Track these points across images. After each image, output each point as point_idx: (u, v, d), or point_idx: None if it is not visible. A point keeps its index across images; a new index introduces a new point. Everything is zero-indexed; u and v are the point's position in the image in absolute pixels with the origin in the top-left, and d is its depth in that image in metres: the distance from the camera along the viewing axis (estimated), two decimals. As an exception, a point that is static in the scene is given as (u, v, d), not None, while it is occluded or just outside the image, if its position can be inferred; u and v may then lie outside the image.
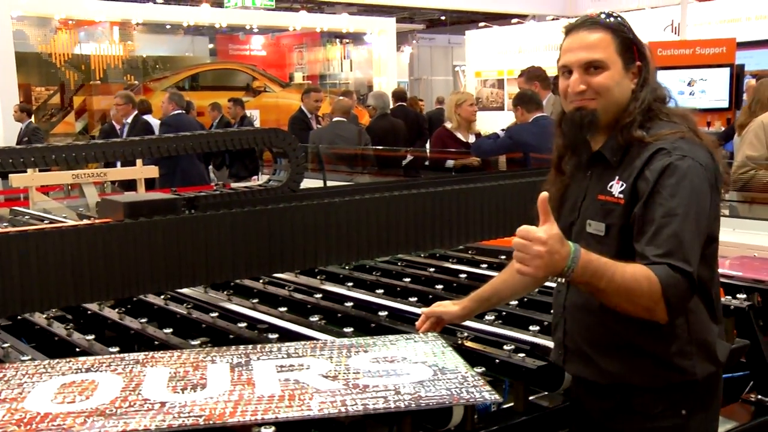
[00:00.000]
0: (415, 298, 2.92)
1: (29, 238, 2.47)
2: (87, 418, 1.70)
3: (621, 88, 1.87)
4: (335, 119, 7.46)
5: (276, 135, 3.11)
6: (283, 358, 2.07)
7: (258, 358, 2.07)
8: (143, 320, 2.72)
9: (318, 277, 3.34)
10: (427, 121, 10.27)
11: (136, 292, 2.71)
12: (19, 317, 2.81)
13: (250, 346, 2.19)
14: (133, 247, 2.61)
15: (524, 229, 1.64)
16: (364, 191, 3.20)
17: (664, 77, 3.72)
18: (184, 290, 3.08)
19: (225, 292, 3.08)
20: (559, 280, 1.77)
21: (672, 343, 1.82)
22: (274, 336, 2.47)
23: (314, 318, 2.69)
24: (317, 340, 2.34)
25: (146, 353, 2.16)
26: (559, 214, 1.96)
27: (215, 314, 2.79)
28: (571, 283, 1.73)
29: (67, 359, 2.13)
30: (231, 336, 2.55)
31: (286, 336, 2.50)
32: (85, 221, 3.08)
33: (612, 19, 1.87)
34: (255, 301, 2.98)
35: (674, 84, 9.83)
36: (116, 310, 2.86)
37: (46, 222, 4.04)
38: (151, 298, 3.04)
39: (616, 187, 1.84)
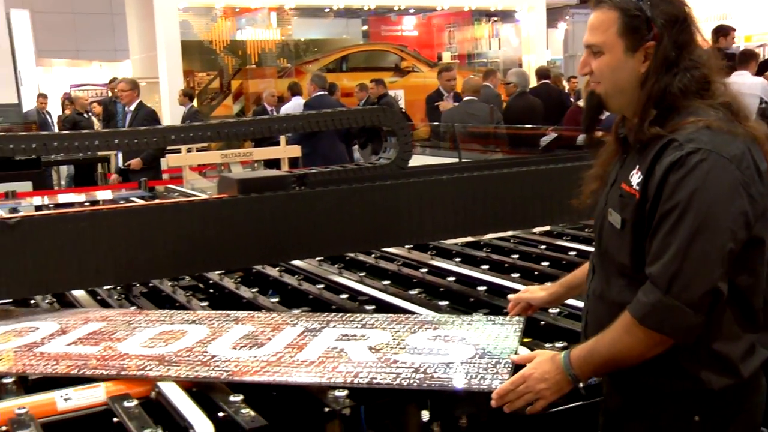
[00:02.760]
0: (518, 274, 2.92)
1: (150, 212, 2.69)
2: (148, 361, 2.01)
3: (622, 73, 1.72)
4: (466, 98, 7.45)
5: (384, 114, 3.18)
6: (354, 327, 2.20)
7: (333, 326, 2.20)
8: (255, 290, 2.89)
9: (429, 252, 3.40)
10: (574, 98, 10.04)
11: (248, 263, 2.88)
12: (150, 284, 3.06)
13: (337, 314, 2.32)
14: (245, 221, 2.77)
15: (504, 388, 1.77)
16: (472, 168, 3.23)
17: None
18: (299, 263, 3.23)
19: (336, 266, 3.21)
20: (582, 386, 1.79)
21: (683, 349, 1.67)
22: (371, 307, 2.56)
23: (414, 291, 2.75)
24: (413, 313, 2.44)
25: (249, 313, 2.44)
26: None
27: (322, 286, 2.91)
28: (584, 380, 1.77)
29: (186, 311, 2.52)
30: (333, 307, 2.67)
31: (383, 308, 2.59)
32: (203, 196, 3.28)
33: None
34: (362, 274, 3.08)
35: None
36: (233, 279, 3.05)
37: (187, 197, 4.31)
38: (268, 270, 3.21)
39: (635, 177, 1.70)
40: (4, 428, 1.72)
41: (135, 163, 7.29)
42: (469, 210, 3.16)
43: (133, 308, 2.68)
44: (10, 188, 5.76)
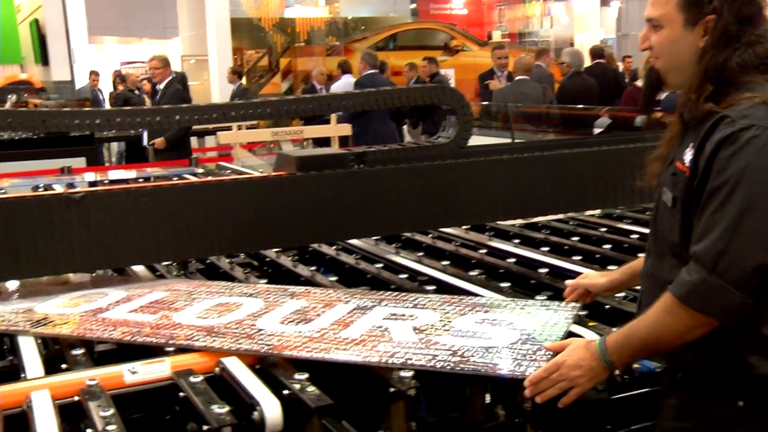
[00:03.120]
0: (579, 257, 2.88)
1: (210, 188, 2.70)
2: (197, 332, 2.09)
3: (680, 47, 1.67)
4: (518, 78, 7.35)
5: (444, 92, 3.15)
6: (405, 307, 2.21)
7: (385, 305, 2.23)
8: (313, 268, 2.89)
9: (486, 233, 3.37)
10: (628, 79, 9.87)
11: (305, 241, 2.88)
12: (207, 261, 3.08)
13: (392, 293, 2.34)
14: (304, 198, 2.78)
15: (536, 375, 1.74)
16: (531, 148, 3.18)
17: None
18: (355, 242, 3.23)
19: (394, 245, 3.20)
20: (616, 376, 1.77)
21: (732, 332, 1.63)
22: (432, 288, 2.55)
23: (474, 273, 2.73)
24: (473, 294, 2.43)
25: (307, 288, 2.51)
26: None
27: (380, 265, 2.90)
28: (620, 366, 1.73)
29: (247, 284, 2.60)
30: (392, 286, 2.66)
31: (443, 288, 2.57)
32: (262, 173, 3.29)
33: None
34: (421, 254, 3.07)
35: None
36: (290, 258, 3.06)
37: (235, 175, 4.33)
38: (324, 248, 3.21)
39: (688, 155, 1.66)
40: (76, 398, 1.75)
41: (159, 142, 7.26)
42: (528, 191, 3.13)
43: (197, 281, 2.72)
44: (65, 164, 5.86)
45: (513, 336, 1.98)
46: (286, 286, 2.54)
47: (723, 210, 1.56)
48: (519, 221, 3.49)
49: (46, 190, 4.57)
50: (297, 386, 1.76)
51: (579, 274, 2.36)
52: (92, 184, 5.09)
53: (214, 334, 2.07)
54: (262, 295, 2.42)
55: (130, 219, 2.55)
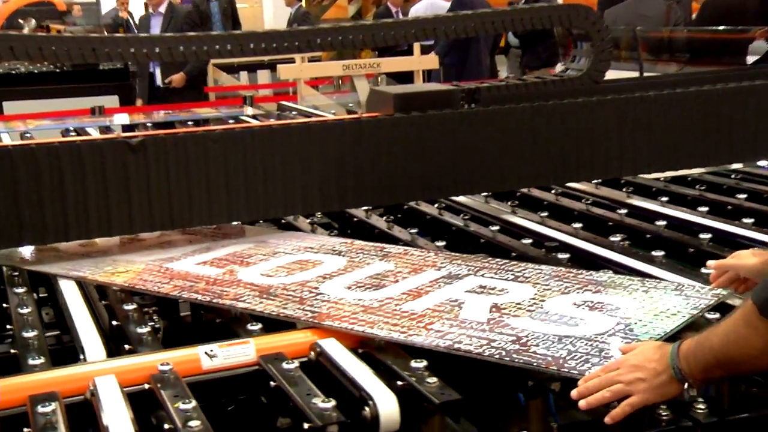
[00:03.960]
0: (751, 220, 2.79)
1: (292, 132, 2.69)
2: (250, 291, 2.26)
3: None
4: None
5: (577, 12, 3.06)
6: (502, 278, 2.29)
7: (481, 274, 2.32)
8: (413, 230, 2.86)
9: (624, 190, 3.30)
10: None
11: (404, 197, 2.87)
12: (283, 221, 3.09)
13: (497, 260, 2.42)
14: (404, 145, 2.76)
15: (591, 375, 1.70)
16: (692, 82, 3.09)
17: None
18: (461, 199, 3.20)
19: (509, 203, 3.15)
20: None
21: None
22: (565, 256, 2.51)
23: (616, 238, 2.67)
24: (615, 265, 2.40)
25: (405, 249, 2.60)
26: None
27: (496, 228, 2.86)
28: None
29: (343, 241, 2.71)
30: (513, 254, 2.62)
31: (580, 258, 2.53)
32: (352, 115, 3.27)
33: None
34: (544, 214, 3.02)
35: None
36: (384, 218, 3.04)
37: (310, 118, 4.34)
38: (424, 207, 3.18)
39: None
40: (146, 386, 1.76)
41: (177, 79, 7.27)
42: (681, 135, 3.04)
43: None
44: (95, 103, 5.94)
45: (605, 325, 1.95)
46: (384, 245, 2.64)
47: None
48: (666, 174, 3.40)
49: (78, 134, 4.65)
50: (413, 377, 1.74)
51: (754, 241, 2.29)
52: (126, 128, 5.16)
53: (266, 295, 2.23)
54: (350, 253, 2.55)
55: (197, 170, 2.57)
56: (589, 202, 3.15)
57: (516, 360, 1.79)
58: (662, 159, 3.07)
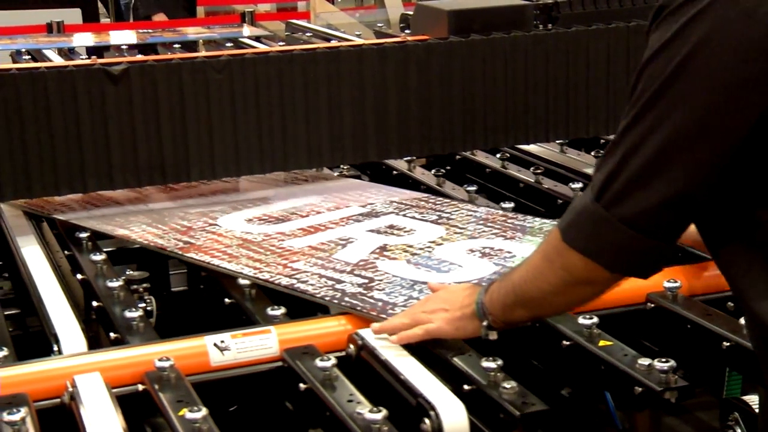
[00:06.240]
0: None
1: (316, 60, 2.67)
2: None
3: None
4: None
5: None
6: (420, 219, 2.58)
7: (403, 214, 2.62)
8: (471, 188, 2.83)
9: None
10: None
11: (461, 146, 2.85)
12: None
13: (437, 200, 2.72)
14: (461, 78, 2.74)
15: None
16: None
17: None
18: (531, 147, 3.20)
19: (593, 153, 3.16)
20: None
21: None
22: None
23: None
24: None
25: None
26: None
27: (578, 185, 2.82)
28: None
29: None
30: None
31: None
32: (391, 39, 3.24)
33: None
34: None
35: None
36: (433, 171, 3.01)
37: (332, 41, 4.31)
38: (482, 157, 3.17)
39: None
40: (140, 387, 1.74)
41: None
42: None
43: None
44: (54, 17, 5.89)
45: (481, 272, 2.22)
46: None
47: None
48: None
49: (34, 58, 4.62)
50: (484, 380, 1.71)
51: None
52: (92, 51, 5.11)
53: (154, 224, 2.58)
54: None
55: (199, 105, 2.55)
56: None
57: (344, 303, 2.07)
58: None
